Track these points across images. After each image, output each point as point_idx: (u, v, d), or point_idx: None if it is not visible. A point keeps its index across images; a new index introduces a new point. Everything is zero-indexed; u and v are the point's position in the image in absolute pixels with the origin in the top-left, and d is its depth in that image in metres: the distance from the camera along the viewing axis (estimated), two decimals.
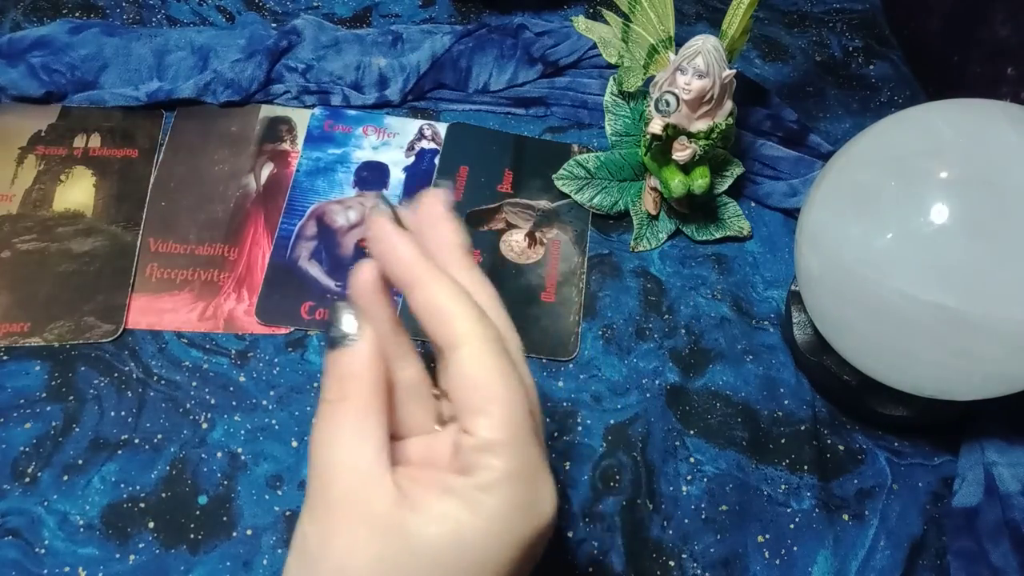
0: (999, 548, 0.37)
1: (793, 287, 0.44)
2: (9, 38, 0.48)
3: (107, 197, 0.45)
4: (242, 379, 0.40)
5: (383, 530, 0.23)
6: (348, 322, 0.26)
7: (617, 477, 0.39)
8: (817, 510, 0.39)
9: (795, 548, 0.38)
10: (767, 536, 0.38)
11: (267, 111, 0.50)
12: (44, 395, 0.39)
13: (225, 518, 0.36)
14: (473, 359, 0.25)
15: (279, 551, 0.36)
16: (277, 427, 0.39)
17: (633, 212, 0.48)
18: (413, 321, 0.26)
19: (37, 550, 0.35)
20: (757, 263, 0.48)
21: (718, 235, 0.48)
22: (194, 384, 0.40)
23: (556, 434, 0.40)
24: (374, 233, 0.27)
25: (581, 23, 0.47)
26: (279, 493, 0.37)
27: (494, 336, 0.25)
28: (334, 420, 0.25)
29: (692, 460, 0.40)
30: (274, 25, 0.54)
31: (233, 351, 0.41)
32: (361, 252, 0.45)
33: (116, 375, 0.40)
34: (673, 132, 0.43)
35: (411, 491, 0.24)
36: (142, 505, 0.36)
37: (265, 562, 0.35)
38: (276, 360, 0.41)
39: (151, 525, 0.36)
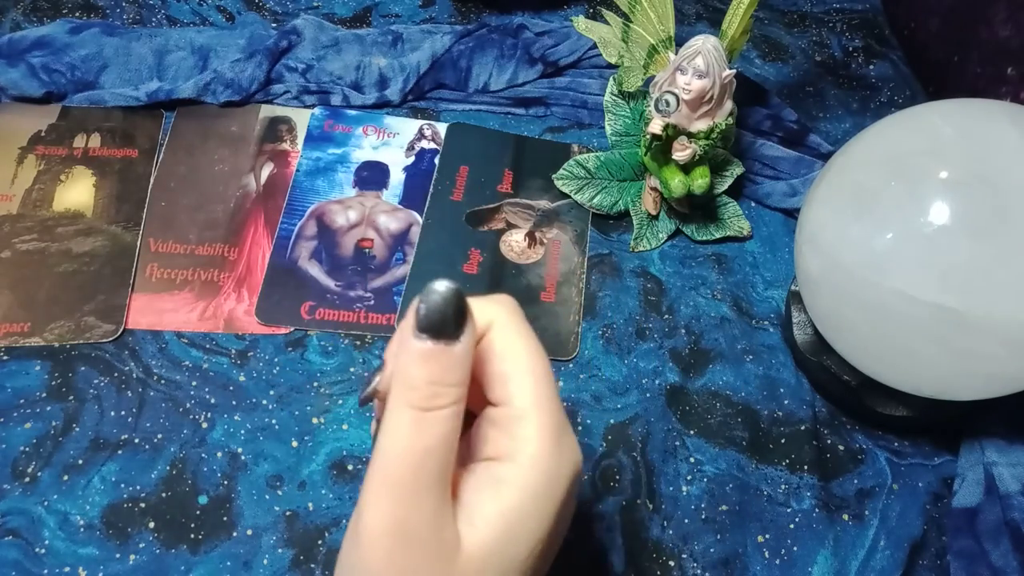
0: (999, 548, 0.37)
1: (793, 287, 0.44)
2: (9, 38, 0.48)
3: (107, 197, 0.45)
4: (242, 379, 0.40)
5: (440, 557, 0.24)
6: (448, 306, 0.24)
7: (617, 477, 0.39)
8: (817, 510, 0.39)
9: (795, 548, 0.38)
10: (767, 536, 0.38)
11: (267, 111, 0.50)
12: (44, 395, 0.39)
13: (225, 518, 0.36)
14: (500, 334, 0.26)
15: (279, 551, 0.36)
16: (277, 427, 0.39)
17: (633, 212, 0.48)
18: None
19: (37, 550, 0.35)
20: (757, 263, 0.48)
21: (718, 235, 0.48)
22: (194, 384, 0.40)
23: None
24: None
25: (581, 23, 0.47)
26: (279, 493, 0.37)
27: (512, 309, 0.27)
28: (425, 432, 0.24)
29: (692, 460, 0.40)
30: (274, 25, 0.54)
31: (233, 351, 0.41)
32: (361, 252, 0.45)
33: (116, 375, 0.40)
34: (673, 132, 0.43)
35: (468, 499, 0.25)
36: (142, 505, 0.36)
37: (265, 562, 0.35)
38: (276, 360, 0.41)
39: (151, 525, 0.36)
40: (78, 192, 0.45)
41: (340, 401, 0.40)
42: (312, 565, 0.36)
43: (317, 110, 0.51)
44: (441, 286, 0.24)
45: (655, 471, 0.39)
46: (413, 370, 0.24)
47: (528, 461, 0.25)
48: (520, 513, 0.25)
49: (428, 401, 0.24)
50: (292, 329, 0.42)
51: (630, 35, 0.45)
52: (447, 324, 0.24)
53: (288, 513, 0.37)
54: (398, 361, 0.25)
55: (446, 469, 0.24)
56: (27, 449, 0.37)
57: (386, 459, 0.24)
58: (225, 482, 0.37)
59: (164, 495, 0.37)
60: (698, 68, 0.41)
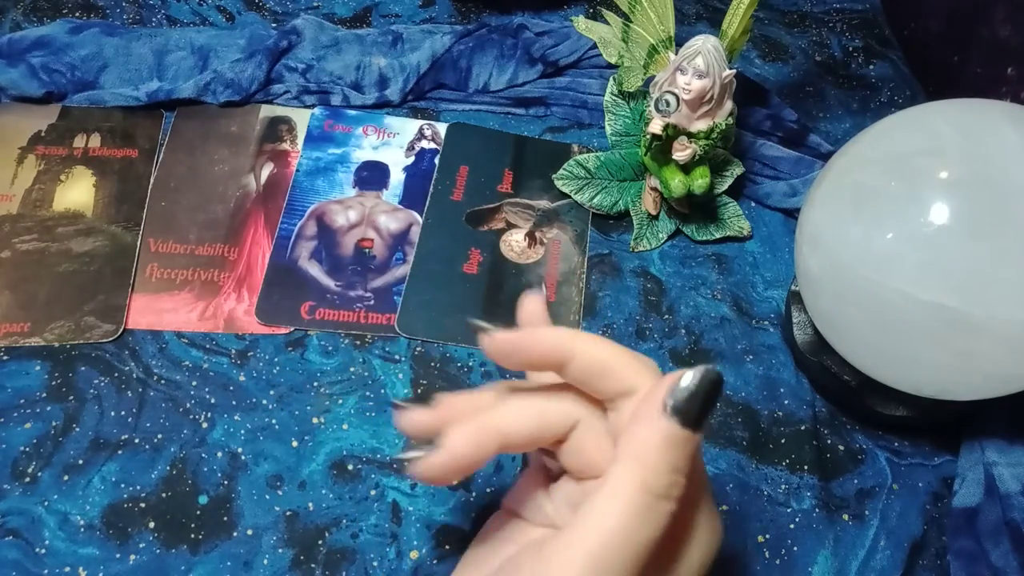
0: (999, 548, 0.37)
1: (793, 287, 0.44)
2: (9, 38, 0.48)
3: (107, 197, 0.45)
4: (242, 378, 0.40)
5: None
6: (714, 395, 0.24)
7: None
8: (817, 510, 0.39)
9: (795, 548, 0.38)
10: (767, 536, 0.38)
11: (267, 111, 0.50)
12: (44, 395, 0.39)
13: (225, 518, 0.36)
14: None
15: (279, 551, 0.36)
16: (277, 427, 0.39)
17: (633, 212, 0.48)
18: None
19: (37, 550, 0.35)
20: (757, 263, 0.48)
21: (718, 235, 0.48)
22: (194, 384, 0.40)
23: None
24: (503, 348, 0.26)
25: (581, 23, 0.47)
26: (279, 493, 0.37)
27: (657, 374, 0.26)
28: (651, 523, 0.23)
29: None
30: (274, 25, 0.54)
31: (233, 351, 0.41)
32: (361, 252, 0.45)
33: (116, 375, 0.40)
34: (673, 132, 0.43)
35: None
36: (142, 505, 0.36)
37: (266, 562, 0.35)
38: (276, 359, 0.41)
39: (151, 525, 0.36)
40: (78, 192, 0.45)
41: (340, 401, 0.40)
42: (312, 565, 0.36)
43: (317, 110, 0.51)
44: (713, 372, 0.24)
45: None
46: (659, 450, 0.23)
47: (694, 536, 0.25)
48: None
49: (667, 489, 0.23)
50: (292, 329, 0.42)
51: (630, 35, 0.45)
52: (705, 412, 0.23)
53: (288, 513, 0.37)
54: (636, 434, 0.24)
55: (646, 564, 0.23)
56: (27, 449, 0.37)
57: (605, 538, 0.22)
58: (225, 482, 0.37)
59: (164, 495, 0.37)
60: (698, 68, 0.41)
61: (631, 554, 0.22)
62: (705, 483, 0.26)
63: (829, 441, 0.41)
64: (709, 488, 0.26)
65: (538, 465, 0.30)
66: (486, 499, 0.38)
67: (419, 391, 0.41)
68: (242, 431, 0.39)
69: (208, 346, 0.41)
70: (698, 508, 0.25)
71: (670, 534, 0.24)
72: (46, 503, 0.36)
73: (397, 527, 0.37)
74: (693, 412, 0.23)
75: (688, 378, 0.23)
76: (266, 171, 0.48)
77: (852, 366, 0.39)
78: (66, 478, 0.37)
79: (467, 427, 0.25)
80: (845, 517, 0.39)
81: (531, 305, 0.30)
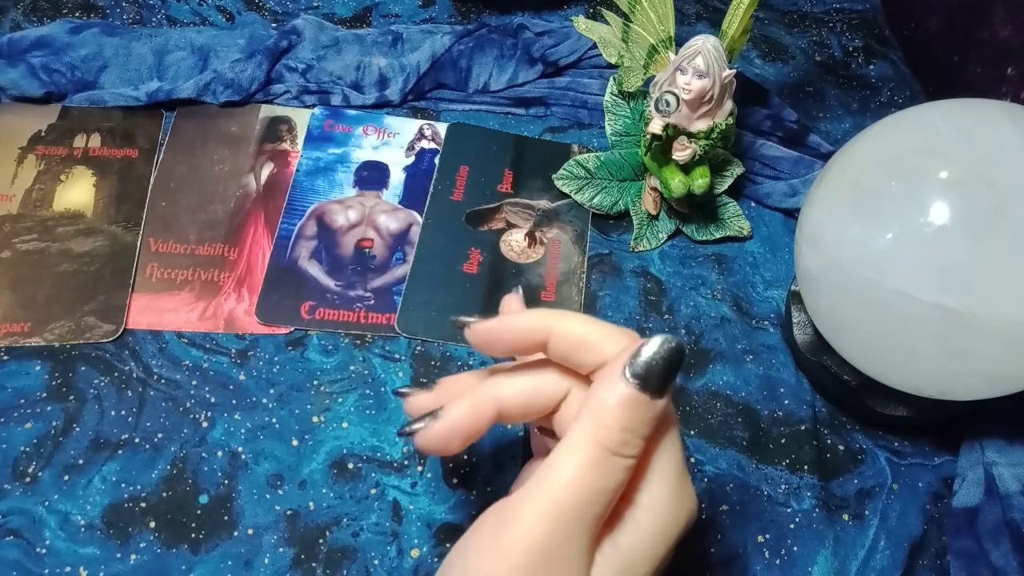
0: (999, 548, 0.37)
1: (793, 287, 0.44)
2: (9, 38, 0.48)
3: (107, 197, 0.45)
4: (242, 377, 0.40)
5: None
6: (672, 363, 0.25)
7: None
8: (817, 510, 0.39)
9: (795, 548, 0.38)
10: (767, 536, 0.38)
11: (267, 111, 0.50)
12: (44, 395, 0.39)
13: (226, 517, 0.36)
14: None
15: (280, 550, 0.36)
16: (277, 426, 0.39)
17: (633, 212, 0.48)
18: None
19: (38, 550, 0.35)
20: (757, 263, 0.48)
21: (718, 235, 0.48)
22: (194, 383, 0.40)
23: None
24: (484, 336, 0.28)
25: (581, 23, 0.47)
26: (280, 492, 0.37)
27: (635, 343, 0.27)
28: (604, 475, 0.24)
29: (692, 460, 0.40)
30: (274, 25, 0.54)
31: (233, 350, 0.41)
32: (361, 252, 0.45)
33: (116, 375, 0.40)
34: (673, 132, 0.43)
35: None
36: (143, 505, 0.36)
37: (266, 561, 0.35)
38: (276, 359, 0.41)
39: (152, 525, 0.36)
40: (78, 192, 0.45)
41: (340, 399, 0.40)
42: (313, 564, 0.36)
43: (317, 110, 0.51)
44: (673, 341, 0.25)
45: None
46: (613, 410, 0.25)
47: (650, 503, 0.26)
48: (636, 554, 0.25)
49: (618, 446, 0.24)
50: (292, 329, 0.42)
51: (630, 35, 0.45)
52: (664, 379, 0.25)
53: (289, 512, 0.37)
54: (596, 394, 0.25)
55: (604, 516, 0.25)
56: (28, 449, 0.37)
57: (561, 486, 0.24)
58: (226, 481, 0.37)
59: (165, 495, 0.37)
60: (698, 68, 0.41)
61: (585, 503, 0.24)
62: (676, 455, 0.27)
63: (829, 441, 0.42)
64: (680, 461, 0.27)
65: (543, 450, 0.32)
66: (486, 498, 0.38)
67: None
68: (242, 430, 0.39)
69: (208, 346, 0.41)
70: (660, 473, 0.26)
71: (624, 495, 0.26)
72: (46, 503, 0.36)
73: (398, 526, 0.37)
74: (652, 378, 0.25)
75: (649, 346, 0.25)
76: (266, 171, 0.48)
77: (852, 366, 0.39)
78: (66, 478, 0.37)
79: (465, 398, 0.27)
80: (845, 517, 0.39)
81: (510, 303, 0.32)
